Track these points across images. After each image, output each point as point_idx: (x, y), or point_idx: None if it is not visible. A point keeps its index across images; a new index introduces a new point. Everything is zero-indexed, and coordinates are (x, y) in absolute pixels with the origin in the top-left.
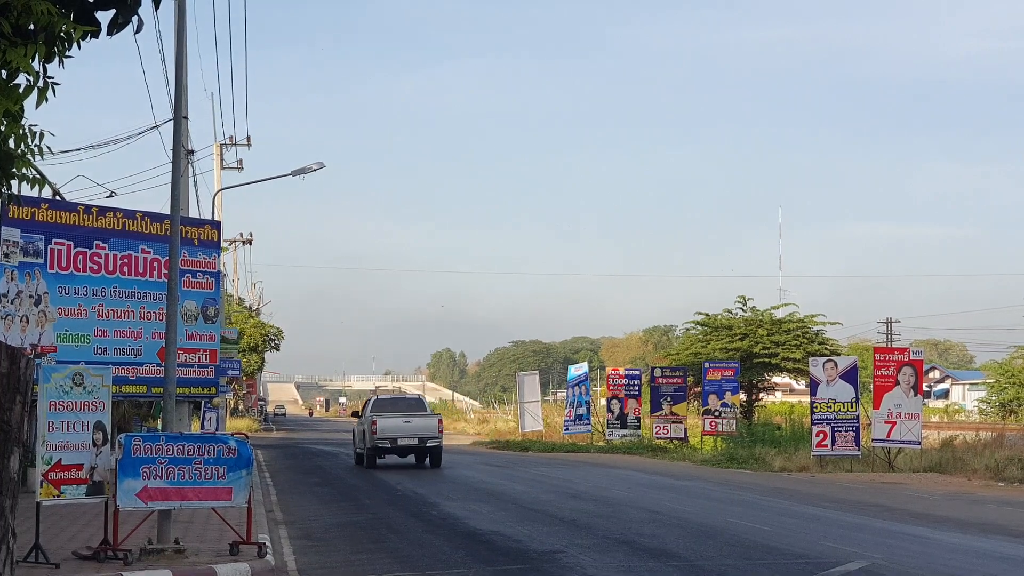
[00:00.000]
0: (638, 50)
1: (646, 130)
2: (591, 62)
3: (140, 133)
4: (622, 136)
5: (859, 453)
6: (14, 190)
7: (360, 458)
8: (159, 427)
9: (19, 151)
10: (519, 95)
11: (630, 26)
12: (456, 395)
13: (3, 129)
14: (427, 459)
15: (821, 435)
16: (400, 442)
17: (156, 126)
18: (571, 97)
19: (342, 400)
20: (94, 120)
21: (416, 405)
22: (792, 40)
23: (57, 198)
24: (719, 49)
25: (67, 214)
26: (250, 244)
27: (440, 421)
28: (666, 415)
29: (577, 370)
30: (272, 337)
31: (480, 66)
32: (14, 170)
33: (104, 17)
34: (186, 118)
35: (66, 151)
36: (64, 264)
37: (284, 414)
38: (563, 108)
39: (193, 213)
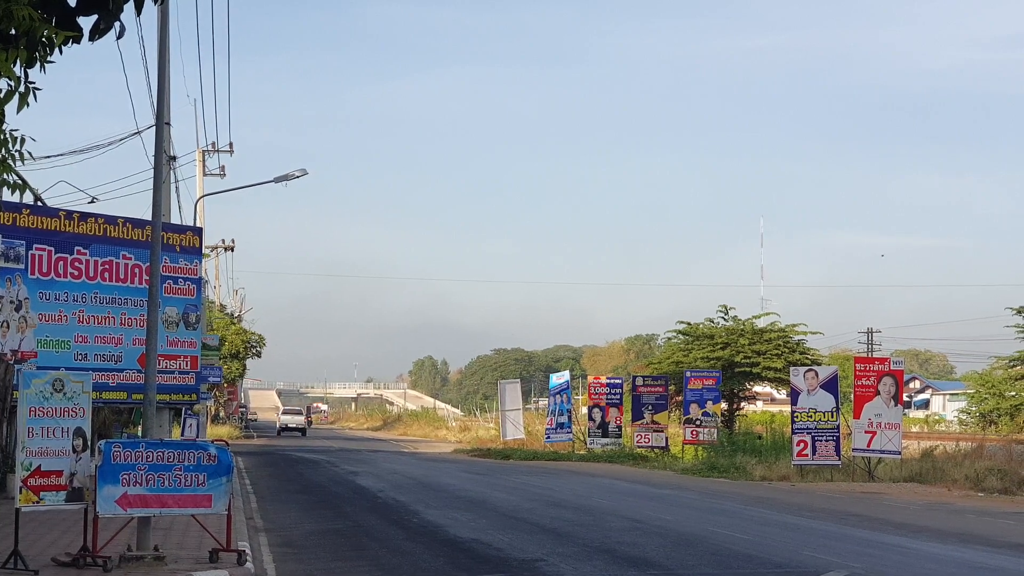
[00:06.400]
0: (622, 58)
1: (629, 139)
2: (576, 70)
3: (122, 139)
4: (605, 144)
5: (839, 463)
6: None
7: (277, 432)
8: (139, 434)
9: (0, 156)
10: (504, 103)
11: (615, 35)
12: (438, 403)
13: None
14: (301, 433)
15: (802, 444)
16: (289, 426)
17: (138, 132)
18: (554, 105)
19: (323, 407)
20: (76, 126)
21: (298, 412)
22: (776, 50)
23: (38, 203)
24: (703, 58)
25: (48, 219)
26: (232, 251)
27: (306, 417)
28: (647, 424)
29: (559, 378)
30: (254, 344)
31: (464, 73)
32: None
33: (86, 23)
34: (168, 124)
35: (48, 156)
36: (45, 270)
37: (255, 419)
38: (547, 116)
39: (175, 219)
